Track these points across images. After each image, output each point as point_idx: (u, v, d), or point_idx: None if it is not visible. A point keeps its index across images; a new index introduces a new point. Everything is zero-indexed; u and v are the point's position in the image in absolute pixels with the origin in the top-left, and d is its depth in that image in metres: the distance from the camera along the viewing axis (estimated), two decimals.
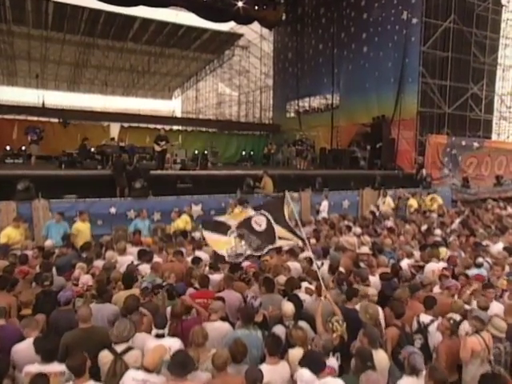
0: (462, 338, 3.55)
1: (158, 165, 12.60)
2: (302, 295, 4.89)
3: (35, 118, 18.80)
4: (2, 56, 25.17)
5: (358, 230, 8.27)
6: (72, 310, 4.30)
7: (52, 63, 27.51)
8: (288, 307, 4.24)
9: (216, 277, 5.63)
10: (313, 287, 5.23)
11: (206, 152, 20.91)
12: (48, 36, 22.72)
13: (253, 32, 27.27)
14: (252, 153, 23.74)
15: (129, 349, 3.51)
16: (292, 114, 25.44)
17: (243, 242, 5.10)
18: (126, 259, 6.39)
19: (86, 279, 4.82)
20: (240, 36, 27.89)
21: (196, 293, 5.03)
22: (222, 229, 5.38)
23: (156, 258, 6.47)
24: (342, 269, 5.95)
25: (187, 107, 37.24)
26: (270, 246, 5.19)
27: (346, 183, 14.26)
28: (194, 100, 35.54)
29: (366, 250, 6.47)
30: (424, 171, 15.30)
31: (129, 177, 10.23)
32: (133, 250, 6.84)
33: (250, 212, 5.43)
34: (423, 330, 3.94)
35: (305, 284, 5.31)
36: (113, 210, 9.46)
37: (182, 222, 8.98)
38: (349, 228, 8.10)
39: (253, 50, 29.60)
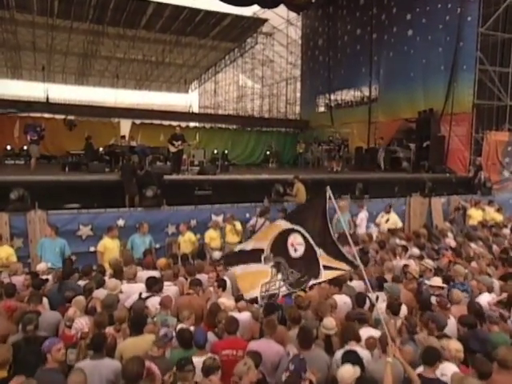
0: None
1: (173, 168, 12.06)
2: (360, 350, 3.99)
3: (38, 115, 18.63)
4: (6, 46, 25.21)
5: (415, 250, 7.35)
6: (60, 370, 3.57)
7: (59, 54, 27.41)
8: (347, 374, 3.39)
9: (244, 317, 4.82)
10: (376, 334, 4.29)
11: (225, 152, 20.49)
12: (54, 24, 22.45)
13: (278, 17, 26.70)
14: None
15: None
16: (322, 109, 24.87)
17: (279, 276, 4.20)
18: (134, 288, 5.65)
19: (82, 324, 4.08)
20: (264, 21, 27.20)
21: (222, 342, 4.24)
22: (253, 255, 4.50)
23: (171, 287, 5.74)
24: (404, 307, 5.05)
25: (205, 101, 37.10)
26: (314, 281, 4.27)
27: (389, 189, 13.37)
28: (212, 93, 35.41)
29: (437, 281, 5.54)
30: (482, 174, 14.18)
31: (139, 183, 9.64)
32: (143, 275, 6.12)
33: (284, 224, 4.38)
34: None
35: (366, 331, 4.33)
36: (121, 223, 8.80)
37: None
38: (405, 249, 7.15)
39: (278, 36, 29.14)
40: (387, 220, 10.30)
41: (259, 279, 4.15)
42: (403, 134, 17.96)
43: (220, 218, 9.94)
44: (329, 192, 4.17)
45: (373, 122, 19.94)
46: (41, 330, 4.30)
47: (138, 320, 4.34)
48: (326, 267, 4.18)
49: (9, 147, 16.93)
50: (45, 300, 5.11)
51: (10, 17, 21.23)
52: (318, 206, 4.22)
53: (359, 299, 5.20)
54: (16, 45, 25.19)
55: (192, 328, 4.41)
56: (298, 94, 28.47)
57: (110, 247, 7.49)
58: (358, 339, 4.06)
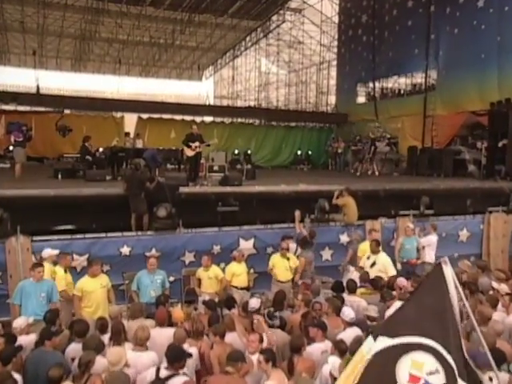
0: None
1: (190, 176, 11.47)
2: None
3: (28, 108, 18.53)
4: None
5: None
6: None
7: (52, 36, 27.35)
8: None
9: None
10: None
11: (248, 152, 19.98)
12: (46, 0, 22.21)
13: None
14: (310, 152, 22.82)
15: None
16: (363, 99, 24.54)
17: None
18: (144, 358, 4.68)
19: None
20: None
21: None
22: None
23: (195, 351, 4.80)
24: None
25: (221, 90, 37.11)
26: None
27: (459, 202, 12.37)
28: (229, 81, 35.19)
29: None
30: None
31: (149, 199, 9.06)
32: (155, 335, 5.13)
33: (374, 347, 2.60)
34: None
35: None
36: (125, 250, 8.45)
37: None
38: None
39: (309, 13, 28.86)
40: (373, 264, 7.84)
41: None
42: (469, 131, 17.44)
43: (250, 244, 9.22)
44: (449, 271, 2.64)
45: (429, 115, 19.20)
46: None
47: None
48: None
49: None
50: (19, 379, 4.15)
51: None
52: (434, 290, 2.68)
53: None
54: (2, 25, 25.15)
55: None
56: (332, 82, 28.29)
57: (89, 290, 6.41)
58: None
